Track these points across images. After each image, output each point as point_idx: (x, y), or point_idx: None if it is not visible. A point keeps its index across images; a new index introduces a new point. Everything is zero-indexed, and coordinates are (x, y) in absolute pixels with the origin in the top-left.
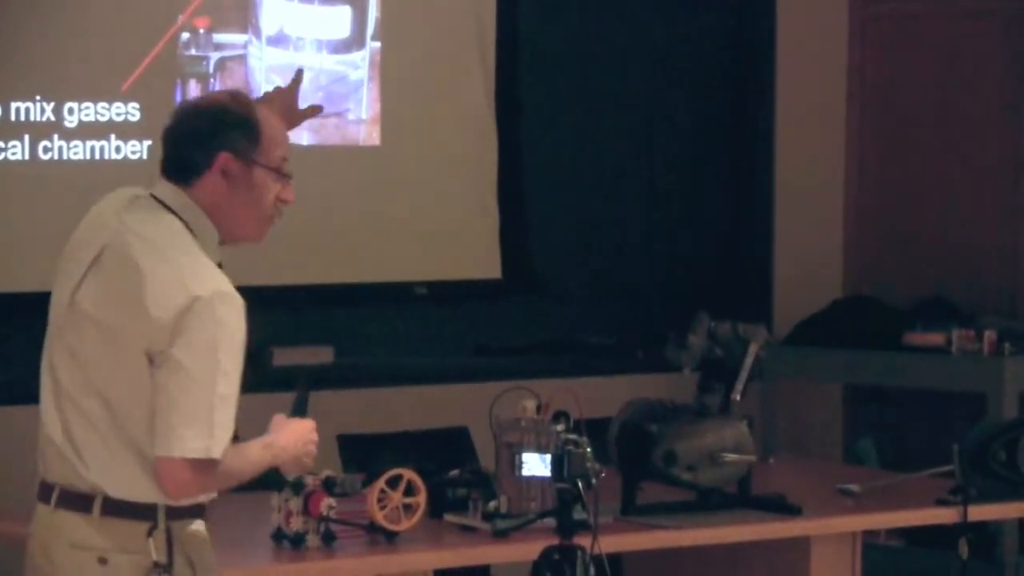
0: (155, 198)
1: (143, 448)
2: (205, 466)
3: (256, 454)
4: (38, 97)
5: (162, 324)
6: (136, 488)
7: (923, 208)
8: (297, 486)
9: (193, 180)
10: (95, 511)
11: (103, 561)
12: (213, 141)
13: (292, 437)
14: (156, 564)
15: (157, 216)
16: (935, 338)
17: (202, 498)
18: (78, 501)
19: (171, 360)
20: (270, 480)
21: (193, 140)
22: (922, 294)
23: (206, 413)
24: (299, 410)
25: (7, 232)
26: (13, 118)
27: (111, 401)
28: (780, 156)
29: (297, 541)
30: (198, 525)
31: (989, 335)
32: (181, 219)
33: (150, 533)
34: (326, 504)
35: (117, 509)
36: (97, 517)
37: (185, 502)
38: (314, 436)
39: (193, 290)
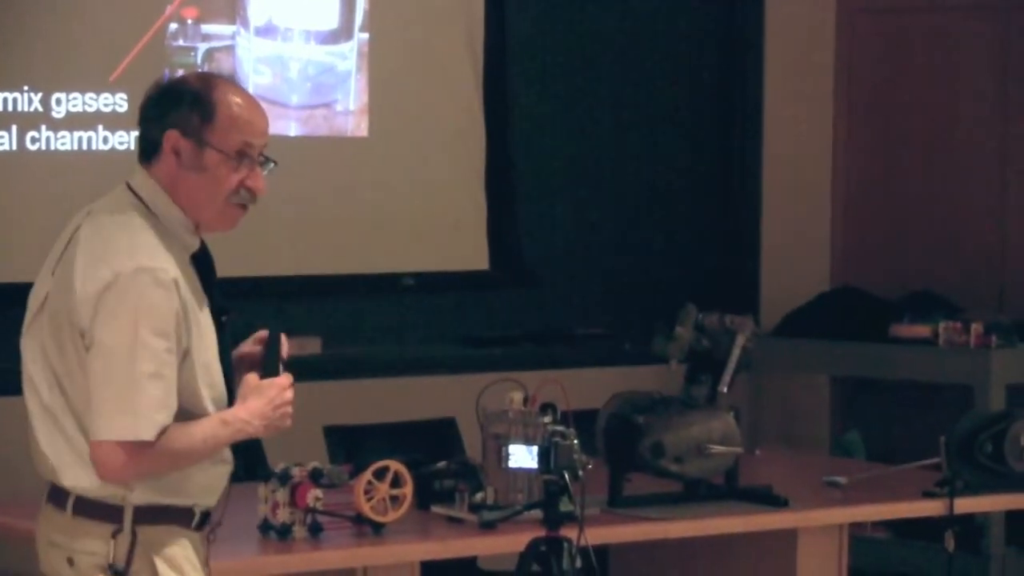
0: (128, 186)
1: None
2: (137, 448)
3: (210, 430)
4: (26, 88)
5: (86, 301)
6: (99, 482)
7: (910, 201)
8: (284, 477)
9: (153, 159)
10: (68, 509)
11: (70, 561)
12: (165, 118)
13: (259, 403)
14: (109, 566)
15: (119, 199)
16: (922, 330)
17: (180, 503)
18: (57, 498)
19: (94, 339)
20: (257, 471)
21: (150, 117)
22: (909, 286)
23: (130, 393)
24: (270, 366)
25: None
26: (1, 109)
27: (66, 392)
28: (768, 149)
29: (284, 532)
30: (176, 534)
31: (976, 327)
32: (143, 201)
33: (114, 535)
34: (313, 495)
35: (86, 509)
36: (69, 516)
37: (158, 501)
38: (287, 395)
39: (116, 266)
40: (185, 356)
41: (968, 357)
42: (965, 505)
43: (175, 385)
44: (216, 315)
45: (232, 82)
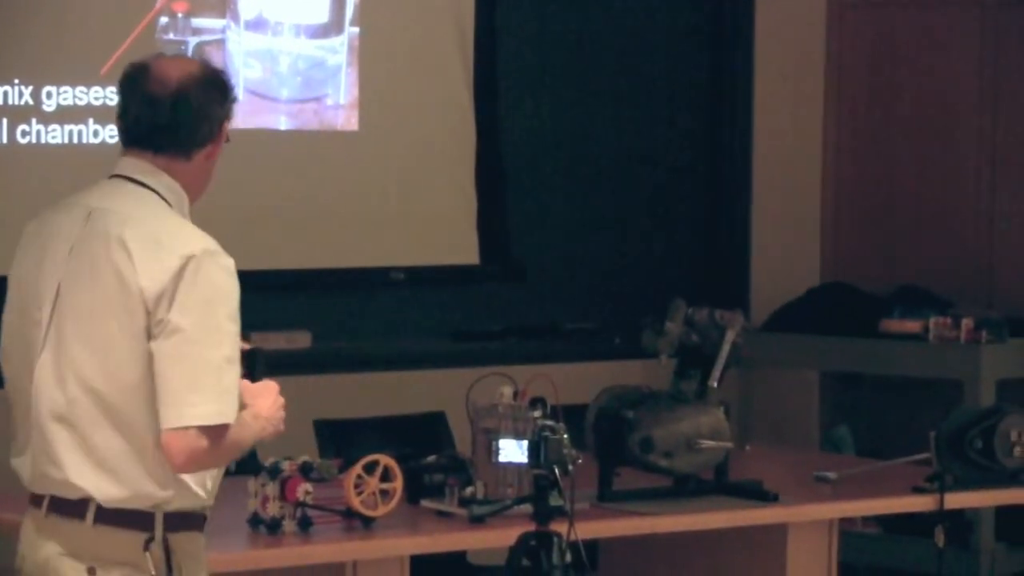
0: (123, 177)
1: (140, 442)
2: (218, 434)
3: (251, 425)
4: (16, 81)
5: (155, 292)
6: (130, 491)
7: (900, 196)
8: (274, 471)
9: (194, 153)
10: (88, 519)
11: (92, 571)
12: (222, 111)
13: (269, 402)
14: None
15: (126, 190)
16: (912, 325)
17: (200, 506)
18: (70, 507)
19: (169, 326)
20: (247, 465)
21: (206, 113)
22: (899, 281)
23: (214, 376)
24: (257, 371)
25: None
26: None
27: (102, 394)
28: (758, 144)
29: (273, 526)
30: (197, 539)
31: (966, 323)
32: (156, 192)
33: (147, 545)
34: (303, 489)
35: (111, 517)
36: (90, 525)
37: (186, 506)
38: (281, 399)
39: (182, 250)
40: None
41: (958, 352)
42: (955, 500)
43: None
44: None
45: None
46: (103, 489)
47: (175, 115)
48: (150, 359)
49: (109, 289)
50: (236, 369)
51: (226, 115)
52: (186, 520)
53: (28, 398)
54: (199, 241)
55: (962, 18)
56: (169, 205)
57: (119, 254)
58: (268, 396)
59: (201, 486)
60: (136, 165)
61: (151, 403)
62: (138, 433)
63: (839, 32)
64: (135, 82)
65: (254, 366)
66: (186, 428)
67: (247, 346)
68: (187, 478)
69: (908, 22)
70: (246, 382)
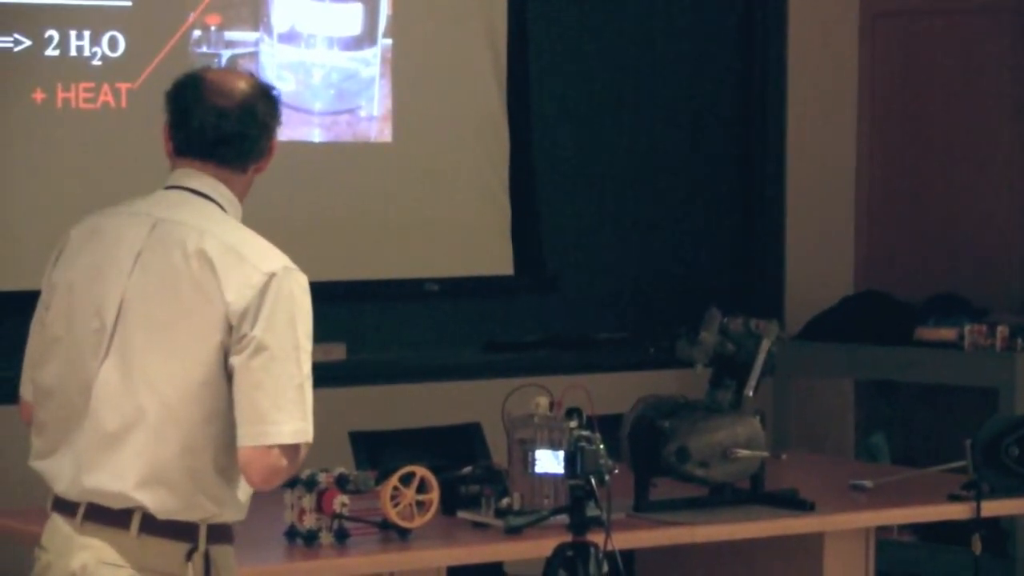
0: (183, 188)
1: (198, 454)
2: (295, 452)
3: None
4: None
5: (240, 307)
6: (184, 503)
7: (934, 204)
8: (310, 484)
9: (249, 165)
10: (133, 529)
11: None
12: (274, 123)
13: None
14: None
15: (190, 201)
16: (947, 333)
17: (236, 519)
18: (112, 516)
19: (254, 343)
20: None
21: (269, 125)
22: (934, 289)
23: (296, 394)
24: None
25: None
26: None
27: (167, 404)
28: (791, 153)
29: (310, 538)
30: (230, 552)
31: (1001, 330)
32: (215, 202)
33: (189, 556)
34: (339, 501)
35: (157, 528)
36: (134, 536)
37: (229, 519)
38: None
39: (265, 267)
40: None
41: (993, 360)
42: (992, 508)
43: None
44: None
45: None
46: (159, 500)
47: (242, 127)
48: (223, 374)
49: (188, 302)
50: (310, 386)
51: (275, 130)
52: (225, 533)
53: (72, 403)
54: (279, 258)
55: (995, 26)
56: (229, 217)
57: (201, 267)
58: None
59: (246, 499)
60: (195, 176)
61: (212, 416)
62: (197, 445)
63: (872, 41)
64: (197, 92)
65: None
66: (268, 447)
67: None
68: (238, 493)
69: (941, 30)
70: None
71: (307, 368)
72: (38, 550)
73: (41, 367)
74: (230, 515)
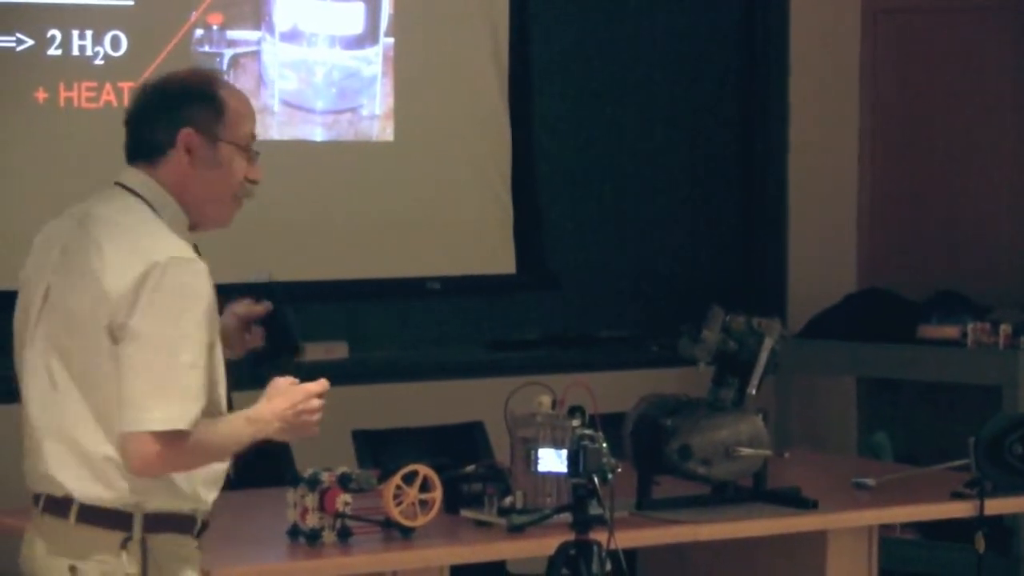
0: (120, 185)
1: (109, 437)
2: (173, 439)
3: (235, 428)
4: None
5: (119, 295)
6: (110, 490)
7: (936, 201)
8: (313, 482)
9: (158, 160)
10: (71, 517)
11: (73, 570)
12: (175, 117)
13: (283, 404)
14: None
15: (119, 198)
16: (950, 331)
17: (187, 509)
18: (56, 506)
19: (130, 331)
20: (285, 476)
21: (154, 118)
22: (936, 287)
23: (171, 382)
24: (286, 339)
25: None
26: None
27: (84, 393)
28: (793, 150)
29: (313, 537)
30: (182, 541)
31: (1004, 328)
32: (146, 201)
33: (124, 544)
34: (342, 500)
35: (92, 517)
36: (72, 524)
37: (168, 508)
38: (313, 403)
39: (149, 256)
40: (211, 349)
41: (996, 358)
42: (995, 507)
43: (206, 378)
44: None
45: (222, 76)
46: (83, 487)
47: (135, 122)
48: (114, 364)
49: (88, 292)
50: (199, 374)
51: (187, 122)
52: (169, 522)
53: (24, 396)
54: (169, 248)
55: (996, 24)
56: (157, 215)
57: (96, 258)
58: (287, 398)
59: (187, 489)
60: (130, 173)
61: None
62: (116, 433)
63: (873, 38)
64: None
65: (286, 332)
66: (139, 433)
67: (262, 308)
68: (176, 480)
69: (942, 28)
70: (278, 381)
71: (189, 356)
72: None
73: (17, 368)
74: (169, 503)
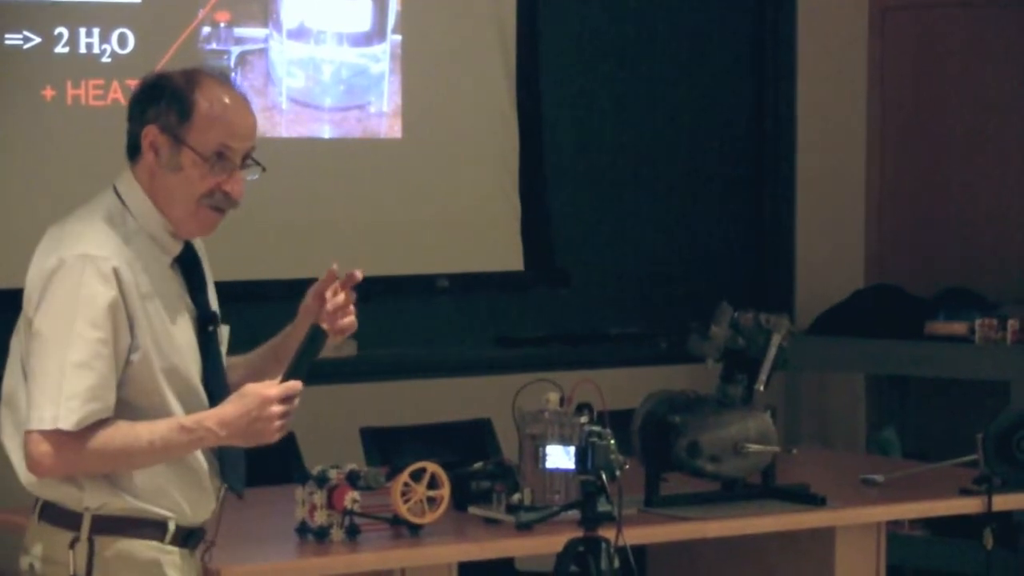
0: (114, 187)
1: None
2: (60, 439)
3: (162, 433)
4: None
5: (32, 289)
6: (52, 488)
7: (944, 198)
8: (321, 480)
9: (136, 159)
10: (35, 514)
11: (31, 567)
12: (145, 114)
13: (233, 413)
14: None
15: (99, 200)
16: (958, 327)
17: (146, 514)
18: (32, 504)
19: (32, 327)
20: (293, 474)
21: (132, 113)
22: (944, 283)
23: (57, 381)
24: (297, 366)
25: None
26: None
27: (12, 385)
28: (802, 146)
29: (321, 535)
30: (141, 547)
31: (1012, 324)
32: (124, 202)
33: (72, 544)
34: (350, 498)
35: (50, 514)
36: (35, 521)
37: (119, 511)
38: (270, 410)
39: (61, 253)
40: (133, 353)
41: (1004, 354)
42: (1003, 502)
43: (111, 379)
44: (201, 324)
45: (222, 81)
46: (37, 484)
47: (128, 125)
48: None
49: (26, 286)
50: (90, 375)
51: (150, 122)
52: (125, 525)
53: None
54: (81, 246)
55: (1004, 18)
56: (129, 214)
57: (35, 252)
58: (239, 406)
59: (144, 491)
60: (122, 174)
61: None
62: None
63: (881, 34)
64: None
65: (296, 357)
66: (30, 431)
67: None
68: (121, 481)
69: (951, 24)
70: (246, 387)
71: (77, 356)
72: None
73: None
74: (117, 505)
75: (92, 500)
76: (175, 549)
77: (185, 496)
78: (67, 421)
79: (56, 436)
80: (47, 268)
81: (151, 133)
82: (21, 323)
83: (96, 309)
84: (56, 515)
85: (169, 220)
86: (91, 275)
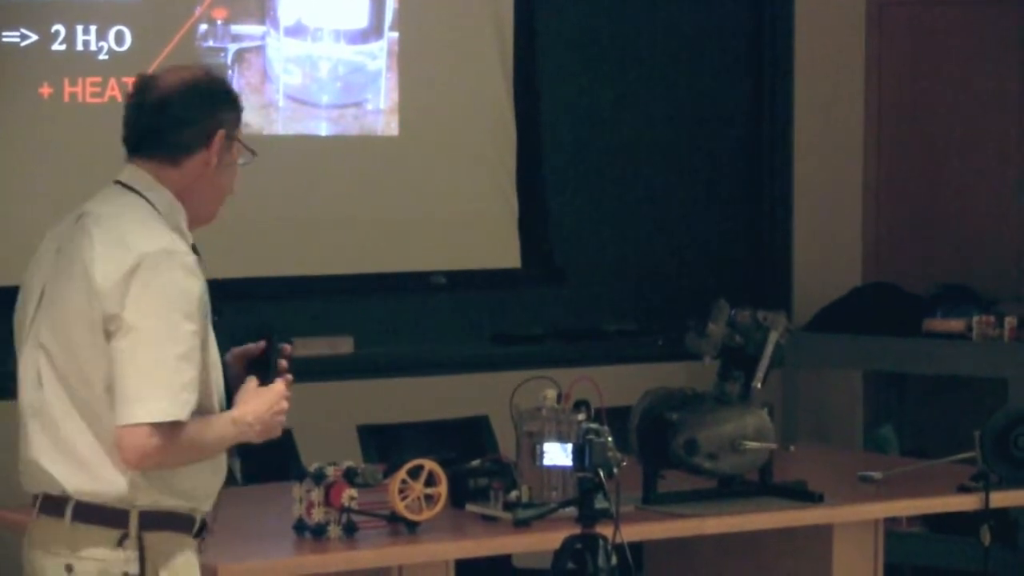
0: (120, 184)
1: (109, 437)
2: (169, 431)
3: (222, 428)
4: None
5: (109, 287)
6: (100, 484)
7: (942, 195)
8: (318, 477)
9: (182, 159)
10: (67, 517)
11: (69, 568)
12: (211, 119)
13: (262, 407)
14: (124, 574)
15: (119, 196)
16: (955, 324)
17: (183, 507)
18: (53, 505)
19: (124, 324)
20: (291, 471)
21: (188, 118)
22: (942, 281)
23: (166, 374)
24: (269, 372)
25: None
26: None
27: (73, 389)
28: (799, 144)
29: (318, 532)
30: (179, 541)
31: (1010, 321)
32: (147, 199)
33: (120, 542)
34: (347, 495)
35: (88, 514)
36: (68, 523)
37: (164, 506)
38: (283, 404)
39: (139, 249)
40: (203, 346)
41: (1002, 351)
42: (1001, 499)
43: (199, 371)
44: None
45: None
46: (78, 484)
47: (157, 119)
48: (107, 351)
49: (78, 287)
50: (193, 366)
51: (221, 124)
52: (165, 520)
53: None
54: (159, 241)
55: (1002, 15)
56: (158, 212)
57: (88, 251)
58: (264, 401)
59: (179, 486)
60: (131, 172)
61: (106, 392)
62: (107, 428)
63: (878, 31)
64: (132, 92)
65: (269, 362)
66: (136, 425)
67: (260, 345)
68: (165, 476)
69: (948, 20)
70: (250, 382)
71: (182, 348)
72: None
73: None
74: (164, 501)
75: (145, 497)
76: (194, 541)
77: (208, 487)
78: (182, 412)
79: (169, 428)
80: (126, 265)
81: (221, 138)
82: (59, 332)
83: (190, 302)
84: (96, 514)
85: (192, 215)
86: (177, 268)
